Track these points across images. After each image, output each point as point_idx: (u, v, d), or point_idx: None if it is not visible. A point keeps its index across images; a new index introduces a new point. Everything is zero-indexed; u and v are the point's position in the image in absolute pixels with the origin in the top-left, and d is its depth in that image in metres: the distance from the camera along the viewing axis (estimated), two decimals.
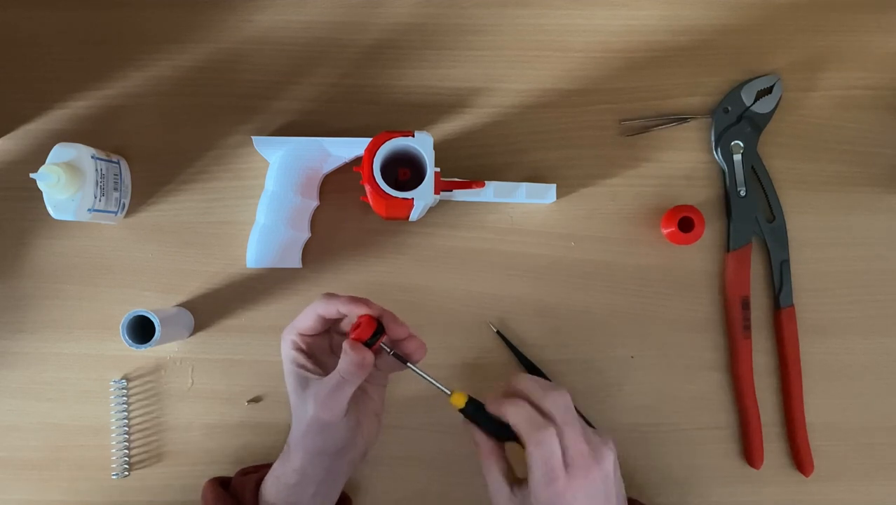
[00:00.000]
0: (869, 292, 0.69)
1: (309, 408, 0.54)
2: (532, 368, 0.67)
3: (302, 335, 0.56)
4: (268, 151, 0.67)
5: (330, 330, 0.59)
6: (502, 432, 0.55)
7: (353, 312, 0.55)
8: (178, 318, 0.65)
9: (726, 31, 0.70)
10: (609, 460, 0.53)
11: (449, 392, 0.55)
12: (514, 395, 0.55)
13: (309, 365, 0.56)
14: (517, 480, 0.55)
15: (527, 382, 0.55)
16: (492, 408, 0.55)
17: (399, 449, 0.67)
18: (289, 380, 0.56)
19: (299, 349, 0.56)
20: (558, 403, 0.53)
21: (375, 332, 0.54)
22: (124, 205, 0.68)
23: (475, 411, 0.55)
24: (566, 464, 0.52)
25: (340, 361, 0.54)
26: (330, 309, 0.55)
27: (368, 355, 0.53)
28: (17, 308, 0.68)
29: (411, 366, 0.56)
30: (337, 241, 0.69)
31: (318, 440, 0.55)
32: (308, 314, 0.56)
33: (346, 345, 0.54)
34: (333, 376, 0.54)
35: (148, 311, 0.61)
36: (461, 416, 0.56)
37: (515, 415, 0.53)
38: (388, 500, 0.67)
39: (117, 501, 0.67)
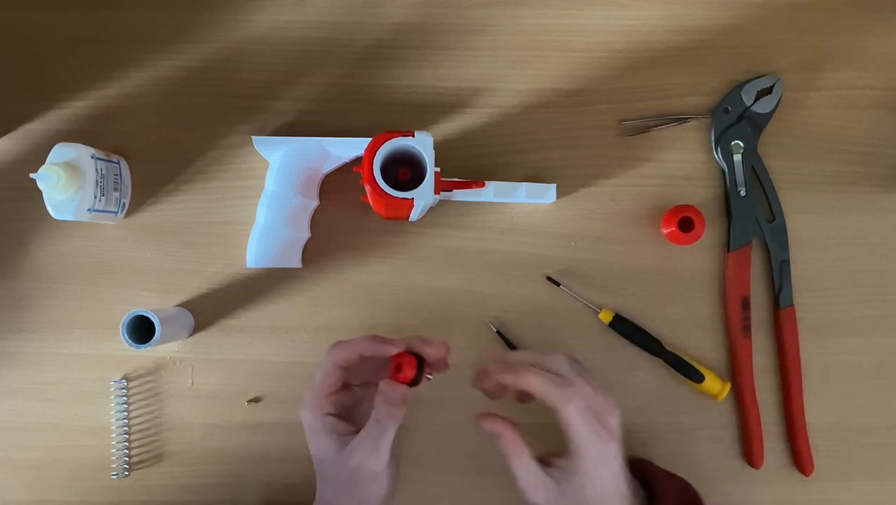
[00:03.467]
0: (869, 292, 0.69)
1: (353, 462, 0.52)
2: None
3: (328, 396, 0.54)
4: (268, 151, 0.67)
5: (347, 384, 0.56)
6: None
7: (378, 351, 0.53)
8: (178, 318, 0.65)
9: (726, 31, 0.70)
10: (618, 416, 0.55)
11: (598, 309, 0.65)
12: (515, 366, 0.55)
13: (342, 427, 0.53)
14: (539, 460, 0.55)
15: (523, 355, 0.57)
16: (507, 378, 0.55)
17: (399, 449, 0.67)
18: (320, 447, 0.53)
19: (328, 413, 0.53)
20: (562, 362, 0.55)
21: (418, 366, 0.53)
22: (124, 205, 0.68)
23: (623, 326, 0.66)
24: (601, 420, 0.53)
25: (376, 404, 0.51)
26: (347, 355, 0.53)
27: (404, 391, 0.52)
28: (17, 308, 0.68)
29: (564, 287, 0.64)
30: (337, 241, 0.69)
31: (365, 493, 0.53)
32: (327, 370, 0.53)
33: (382, 385, 0.52)
34: (372, 426, 0.52)
35: (148, 311, 0.61)
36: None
37: (538, 383, 0.53)
38: None
39: (117, 501, 0.67)
